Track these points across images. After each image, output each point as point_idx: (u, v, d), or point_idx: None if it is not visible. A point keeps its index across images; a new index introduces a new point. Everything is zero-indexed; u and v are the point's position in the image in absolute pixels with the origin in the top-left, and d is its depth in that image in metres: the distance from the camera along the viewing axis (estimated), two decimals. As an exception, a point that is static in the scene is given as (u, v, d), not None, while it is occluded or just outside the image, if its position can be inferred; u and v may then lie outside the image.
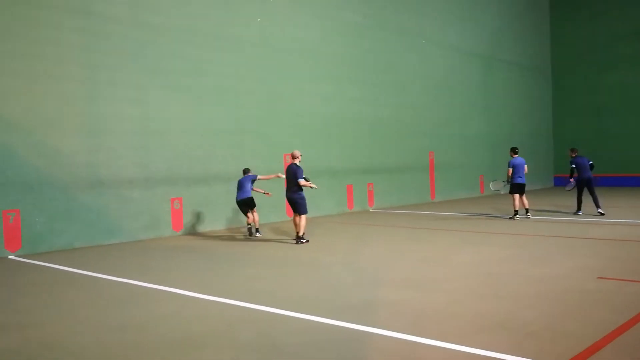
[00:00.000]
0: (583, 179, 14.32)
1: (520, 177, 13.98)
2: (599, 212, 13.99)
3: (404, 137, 19.21)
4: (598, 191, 14.85)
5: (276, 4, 15.24)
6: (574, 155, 14.79)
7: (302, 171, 10.78)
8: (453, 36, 21.63)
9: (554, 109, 28.20)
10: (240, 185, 11.89)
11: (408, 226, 13.36)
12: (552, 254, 9.00)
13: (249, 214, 12.02)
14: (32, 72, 10.78)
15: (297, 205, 10.79)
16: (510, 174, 14.01)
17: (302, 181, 10.67)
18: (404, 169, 19.21)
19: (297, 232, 10.91)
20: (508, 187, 14.32)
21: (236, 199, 11.93)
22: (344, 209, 17.07)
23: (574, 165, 14.52)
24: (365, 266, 8.51)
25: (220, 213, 13.86)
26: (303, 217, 10.85)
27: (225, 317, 5.89)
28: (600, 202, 14.66)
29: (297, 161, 10.92)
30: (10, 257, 10.32)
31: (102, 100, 11.75)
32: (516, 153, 14.31)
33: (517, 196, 14.00)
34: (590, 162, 14.48)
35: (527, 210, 14.16)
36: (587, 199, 14.90)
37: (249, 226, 12.03)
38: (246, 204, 11.90)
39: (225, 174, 13.82)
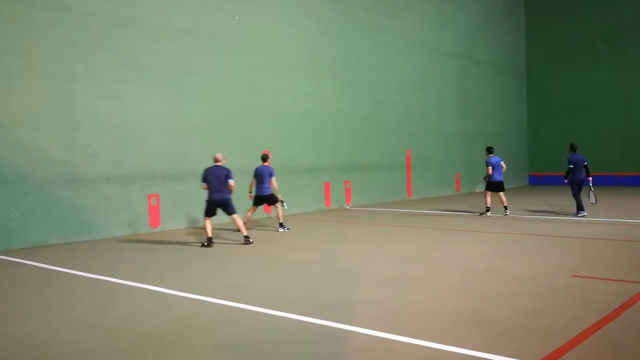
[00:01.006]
0: (574, 180, 13.76)
1: (498, 174, 14.32)
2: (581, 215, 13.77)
3: (382, 134, 19.32)
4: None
5: (255, 1, 15.18)
6: (572, 152, 14.08)
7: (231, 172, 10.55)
8: (430, 36, 21.80)
9: (528, 109, 28.62)
10: (261, 178, 11.94)
11: (385, 224, 13.45)
12: (527, 251, 9.15)
13: (251, 211, 12.26)
14: (7, 67, 10.59)
15: (229, 206, 10.48)
16: (490, 172, 14.32)
17: (232, 182, 10.47)
18: (381, 166, 19.32)
19: (209, 235, 10.48)
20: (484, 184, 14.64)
21: (257, 192, 12.01)
22: (321, 206, 17.11)
23: (571, 166, 13.75)
24: (343, 264, 8.56)
25: (198, 210, 13.75)
26: (235, 216, 10.56)
27: (200, 314, 5.88)
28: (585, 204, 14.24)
29: (220, 164, 10.52)
30: (-18, 253, 10.15)
31: (78, 96, 11.59)
32: (491, 152, 14.63)
33: (489, 193, 14.47)
34: (585, 164, 13.79)
35: (505, 208, 14.47)
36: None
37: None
38: (266, 200, 12.09)
39: (201, 171, 13.71)
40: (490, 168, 14.35)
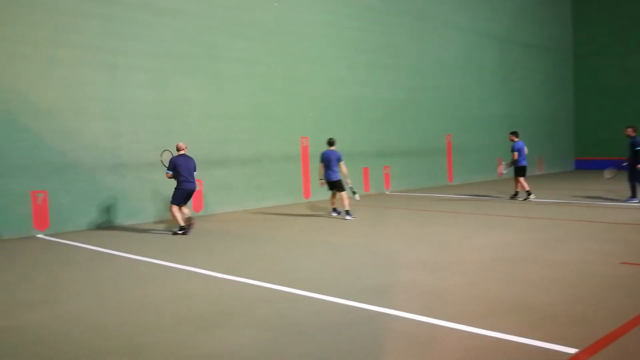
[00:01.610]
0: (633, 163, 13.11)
1: (524, 159, 14.41)
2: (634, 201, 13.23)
3: (421, 119, 19.13)
4: (619, 175, 14.67)
5: (294, -14, 15.19)
6: (634, 134, 13.28)
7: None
8: (469, 18, 21.35)
9: (575, 91, 27.78)
10: (329, 163, 11.86)
11: (425, 209, 13.38)
12: (572, 238, 8.97)
13: (335, 195, 12.25)
14: (55, 58, 10.95)
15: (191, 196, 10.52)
16: (515, 157, 14.30)
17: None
18: (421, 151, 19.16)
19: (180, 223, 10.38)
20: (511, 169, 14.73)
21: (325, 178, 11.97)
22: (360, 191, 17.10)
23: (638, 148, 12.96)
24: (382, 248, 8.59)
25: (238, 195, 14.01)
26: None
27: (242, 296, 6.02)
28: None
29: (184, 152, 10.41)
30: (38, 235, 10.61)
31: (123, 85, 11.90)
32: (517, 136, 14.64)
33: (522, 178, 14.41)
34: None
35: (529, 192, 14.44)
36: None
37: (334, 210, 12.27)
38: (335, 186, 12.02)
39: (242, 157, 13.97)
40: (516, 153, 14.31)
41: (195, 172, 10.42)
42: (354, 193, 12.19)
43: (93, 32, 11.46)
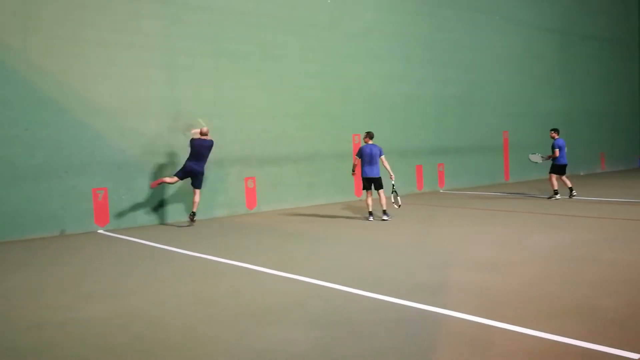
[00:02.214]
0: None
1: (563, 157, 14.15)
2: None
3: (477, 116, 18.73)
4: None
5: (347, -17, 15.15)
6: None
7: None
8: (527, 11, 20.70)
9: (640, 85, 26.54)
10: (370, 158, 11.20)
11: (480, 208, 13.10)
12: (635, 239, 8.59)
13: (370, 195, 11.50)
14: (115, 58, 11.31)
15: (198, 179, 11.30)
16: (557, 154, 14.07)
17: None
18: (477, 149, 18.75)
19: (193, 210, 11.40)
20: (546, 161, 14.57)
21: (364, 175, 11.29)
22: (413, 189, 16.93)
23: None
24: (437, 247, 8.47)
25: (291, 192, 14.11)
26: (198, 191, 11.34)
27: (295, 292, 6.06)
28: None
29: (206, 137, 11.34)
30: (99, 231, 11.02)
31: (180, 84, 12.18)
32: (558, 133, 14.42)
33: (555, 176, 14.14)
34: None
35: (571, 190, 14.13)
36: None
37: (371, 213, 11.43)
38: (376, 183, 11.34)
39: (294, 155, 14.07)
40: (557, 150, 14.05)
41: (208, 155, 11.24)
42: (396, 194, 11.40)
43: (152, 32, 11.78)
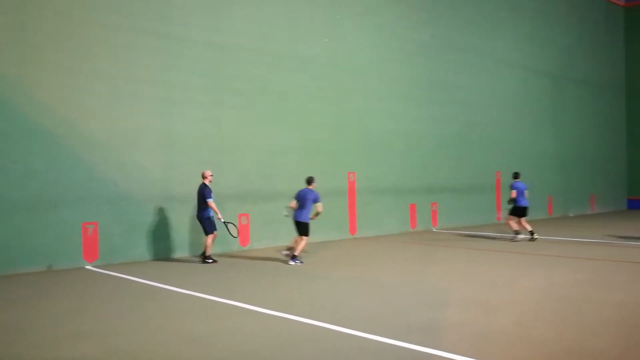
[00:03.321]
0: None
1: (523, 200, 14.13)
2: None
3: (471, 156, 18.94)
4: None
5: (343, 24, 15.49)
6: None
7: (210, 192, 11.07)
8: (522, 54, 21.22)
9: (628, 130, 27.03)
10: (302, 202, 11.06)
11: (473, 247, 13.12)
12: (625, 280, 8.62)
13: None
14: (112, 91, 11.41)
15: (202, 225, 11.23)
16: (514, 196, 14.05)
17: (210, 202, 11.00)
18: (470, 188, 18.89)
19: (204, 252, 11.26)
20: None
21: (295, 218, 11.13)
22: (406, 228, 16.96)
23: None
24: (429, 286, 8.45)
25: (284, 229, 14.06)
26: (210, 237, 11.19)
27: (289, 332, 6.01)
28: None
29: (206, 181, 11.19)
30: (87, 267, 10.89)
31: (177, 119, 12.28)
32: (517, 177, 14.49)
33: (514, 217, 14.16)
34: None
35: (532, 233, 14.07)
36: None
37: (288, 251, 11.17)
38: (301, 228, 11.08)
39: (290, 191, 14.01)
40: (514, 191, 14.05)
41: (209, 199, 11.04)
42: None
43: (150, 66, 11.92)
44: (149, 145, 11.88)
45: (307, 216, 11.09)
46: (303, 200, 11.12)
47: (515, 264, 10.59)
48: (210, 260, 11.13)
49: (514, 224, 14.16)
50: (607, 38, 26.18)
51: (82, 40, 11.07)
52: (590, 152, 24.40)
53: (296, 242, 11.21)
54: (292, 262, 10.92)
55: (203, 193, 11.09)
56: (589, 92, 24.62)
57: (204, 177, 11.29)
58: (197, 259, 11.50)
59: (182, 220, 12.31)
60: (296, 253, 11.00)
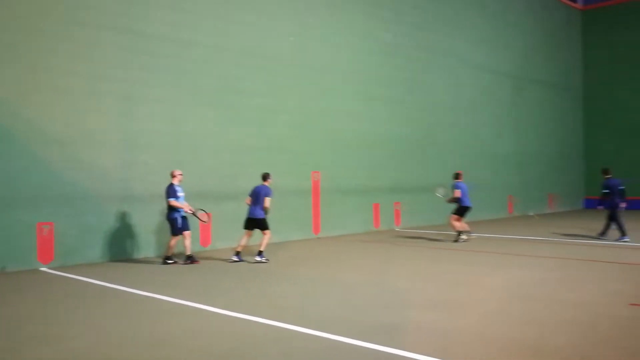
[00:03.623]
0: (613, 204, 13.75)
1: (467, 200, 13.91)
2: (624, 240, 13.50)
3: (434, 156, 19.15)
4: (631, 215, 14.54)
5: (308, 23, 15.43)
6: (607, 177, 14.10)
7: (173, 191, 10.72)
8: (484, 56, 21.59)
9: (585, 130, 27.82)
10: (255, 199, 11.10)
11: (435, 247, 13.25)
12: (583, 278, 8.85)
13: (247, 236, 11.19)
14: (72, 87, 11.07)
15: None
16: (458, 195, 13.78)
17: (170, 201, 10.69)
18: (432, 187, 19.05)
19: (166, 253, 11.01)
20: (446, 198, 14.28)
21: (249, 214, 11.13)
22: (370, 227, 17.03)
23: (607, 190, 13.81)
24: (393, 286, 8.47)
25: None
26: (174, 238, 10.84)
27: (251, 334, 5.93)
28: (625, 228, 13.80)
29: (175, 180, 10.87)
30: (42, 269, 10.52)
31: (138, 116, 12.01)
32: (458, 177, 14.15)
33: (458, 217, 13.87)
34: (622, 187, 13.79)
35: (459, 234, 13.91)
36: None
37: (238, 254, 11.10)
38: (258, 224, 11.07)
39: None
40: (458, 190, 13.80)
41: (171, 199, 10.75)
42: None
43: (111, 62, 11.61)
44: (108, 143, 11.57)
45: (261, 212, 11.07)
46: (256, 196, 11.13)
47: (476, 262, 10.74)
48: (171, 261, 10.91)
49: (457, 223, 13.88)
50: (565, 40, 26.89)
51: (41, 35, 10.72)
52: (549, 152, 25.01)
53: (242, 246, 11.22)
54: (258, 258, 10.95)
55: (167, 193, 10.84)
56: (547, 93, 25.25)
57: (172, 176, 11.01)
58: (160, 260, 11.26)
59: (143, 221, 12.04)
60: (261, 249, 11.00)
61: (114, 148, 11.65)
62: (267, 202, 10.99)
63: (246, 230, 11.26)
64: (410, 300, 7.38)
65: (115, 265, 11.02)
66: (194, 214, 11.12)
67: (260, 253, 11.03)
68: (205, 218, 11.45)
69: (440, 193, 14.49)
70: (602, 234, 14.07)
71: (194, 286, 8.72)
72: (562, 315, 6.49)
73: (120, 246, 11.71)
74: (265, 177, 11.33)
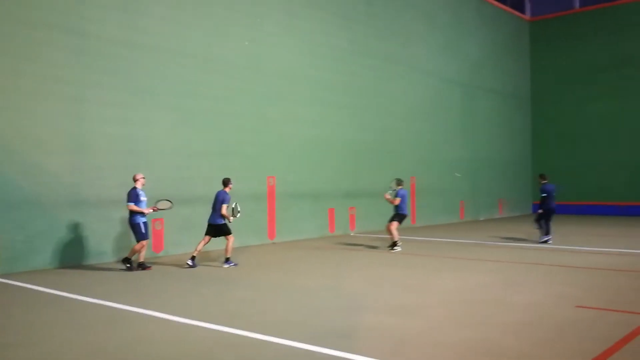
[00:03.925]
0: (550, 208, 14.54)
1: (406, 208, 13.69)
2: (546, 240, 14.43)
3: (387, 161, 19.39)
4: (575, 219, 15.15)
5: (264, 28, 15.41)
6: (543, 182, 14.85)
7: (135, 195, 10.48)
8: (436, 63, 22.05)
9: (533, 137, 28.75)
10: (214, 204, 11.10)
11: (389, 252, 13.40)
12: (530, 281, 9.13)
13: (204, 241, 11.13)
14: (19, 88, 10.73)
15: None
16: (397, 203, 13.52)
17: (129, 206, 10.50)
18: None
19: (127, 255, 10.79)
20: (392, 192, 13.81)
21: (209, 221, 11.11)
22: (325, 232, 17.10)
23: (545, 194, 14.59)
24: (347, 291, 8.54)
25: (201, 235, 13.75)
26: (138, 244, 10.63)
27: (204, 341, 5.87)
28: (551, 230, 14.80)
29: (138, 184, 10.64)
30: (-15, 276, 10.14)
31: (88, 119, 11.72)
32: (400, 185, 13.88)
33: (396, 225, 13.47)
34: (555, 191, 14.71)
35: (395, 243, 13.45)
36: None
37: (193, 258, 10.98)
38: (219, 230, 11.07)
39: (207, 195, 13.76)
40: (399, 199, 13.52)
41: (129, 203, 10.49)
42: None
43: (60, 63, 11.29)
44: (57, 146, 11.25)
45: (219, 218, 11.01)
46: (214, 202, 11.09)
47: (428, 266, 10.94)
48: (128, 265, 10.65)
49: (395, 231, 13.43)
50: (514, 50, 27.75)
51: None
52: (498, 159, 25.74)
53: (198, 251, 11.15)
54: (226, 265, 10.93)
55: (128, 197, 10.55)
56: (497, 101, 25.99)
57: (134, 180, 10.75)
58: (122, 267, 10.92)
59: (95, 226, 11.74)
60: (228, 255, 10.97)
61: (63, 151, 11.33)
62: (224, 209, 10.88)
63: (206, 235, 11.16)
64: (363, 305, 7.46)
65: (64, 271, 10.70)
66: (155, 209, 10.93)
67: (227, 260, 10.97)
68: (167, 205, 11.07)
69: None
70: (546, 234, 14.60)
71: (145, 293, 8.57)
72: (511, 317, 6.68)
73: (70, 252, 11.38)
74: (225, 182, 11.26)
